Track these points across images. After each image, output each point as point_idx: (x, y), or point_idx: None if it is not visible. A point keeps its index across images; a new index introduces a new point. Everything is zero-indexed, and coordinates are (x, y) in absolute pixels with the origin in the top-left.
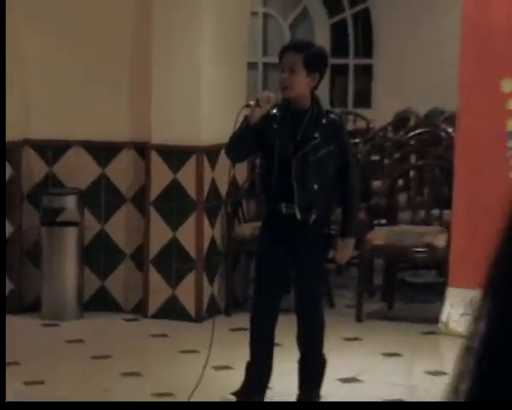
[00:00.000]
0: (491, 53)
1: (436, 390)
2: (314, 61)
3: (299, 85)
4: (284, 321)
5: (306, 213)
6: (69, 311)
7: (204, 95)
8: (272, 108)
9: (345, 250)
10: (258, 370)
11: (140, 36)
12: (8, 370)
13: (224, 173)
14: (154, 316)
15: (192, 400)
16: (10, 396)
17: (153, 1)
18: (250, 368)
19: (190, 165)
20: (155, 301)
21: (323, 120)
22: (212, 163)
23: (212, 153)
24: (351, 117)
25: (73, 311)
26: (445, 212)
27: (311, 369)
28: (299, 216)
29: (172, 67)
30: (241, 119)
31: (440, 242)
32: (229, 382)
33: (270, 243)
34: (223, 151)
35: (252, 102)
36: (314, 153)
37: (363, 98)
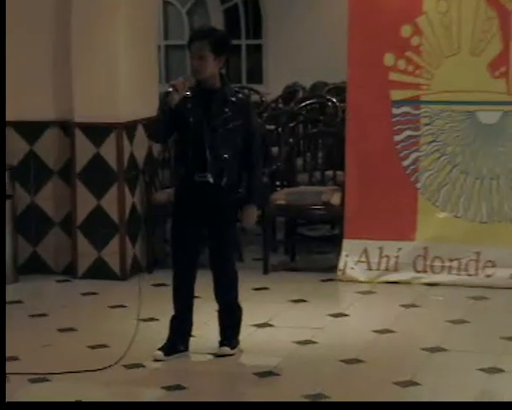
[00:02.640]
0: (376, 30)
1: (339, 331)
2: (219, 46)
3: (209, 69)
4: (202, 275)
5: (218, 178)
6: (7, 275)
7: (121, 76)
8: (186, 91)
9: (249, 216)
10: (181, 322)
11: (61, 24)
12: None
13: (140, 146)
14: (84, 276)
15: (129, 350)
16: None
17: None
18: (174, 321)
19: (111, 140)
20: (84, 264)
21: (233, 98)
22: (131, 138)
23: (130, 128)
24: (245, 91)
25: (10, 275)
26: (338, 173)
27: (229, 317)
28: (211, 180)
29: (91, 52)
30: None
31: (335, 200)
32: (156, 332)
33: (185, 207)
34: (140, 126)
35: (170, 89)
36: (224, 126)
37: (255, 75)
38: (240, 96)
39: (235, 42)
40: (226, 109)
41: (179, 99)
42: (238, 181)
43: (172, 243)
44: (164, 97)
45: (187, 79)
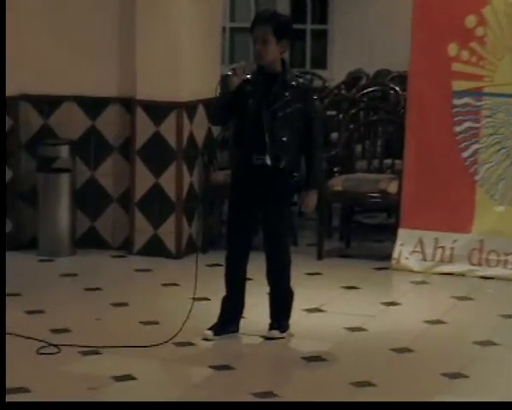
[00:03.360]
0: (440, 20)
1: (390, 319)
2: (282, 30)
3: (272, 53)
4: (254, 258)
5: (277, 161)
6: (63, 248)
7: (184, 55)
8: (246, 75)
9: (309, 201)
10: (233, 303)
11: (126, 2)
12: (10, 300)
13: (200, 127)
14: (139, 253)
15: (178, 328)
16: (12, 324)
17: None
18: (225, 302)
19: (171, 119)
20: (140, 240)
21: (293, 82)
22: (191, 117)
23: (190, 108)
24: (308, 77)
25: (67, 248)
26: (397, 162)
27: (280, 300)
28: (269, 163)
29: (155, 31)
30: (219, 89)
31: (392, 188)
32: (207, 312)
33: (242, 189)
34: (200, 106)
35: (229, 72)
36: (283, 109)
37: (320, 60)
38: (300, 80)
39: (300, 26)
40: (286, 93)
41: (238, 83)
42: (296, 165)
43: (228, 223)
44: (223, 80)
45: (248, 64)
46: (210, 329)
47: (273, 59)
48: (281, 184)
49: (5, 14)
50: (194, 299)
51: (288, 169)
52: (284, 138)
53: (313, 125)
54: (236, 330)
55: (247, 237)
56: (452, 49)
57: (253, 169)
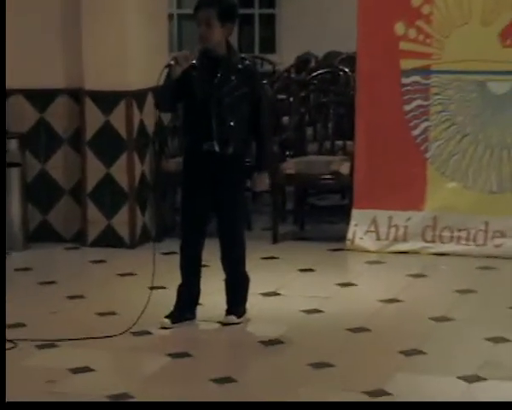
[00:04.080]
0: (386, 0)
1: (347, 300)
2: (226, 14)
3: (216, 36)
4: (209, 244)
5: (225, 146)
6: (16, 243)
7: (130, 44)
8: (190, 63)
9: (260, 182)
10: (189, 290)
11: None
12: None
13: (150, 115)
14: (93, 244)
15: (134, 318)
16: None
17: None
18: (181, 289)
19: (120, 108)
20: (93, 231)
21: (239, 65)
22: (140, 106)
23: (139, 96)
24: (258, 61)
25: (20, 242)
26: (348, 143)
27: (236, 286)
28: (217, 149)
29: (101, 20)
30: (163, 77)
31: (345, 169)
32: (164, 300)
33: (193, 176)
34: (149, 95)
35: (172, 62)
36: (230, 94)
37: (268, 44)
38: (246, 62)
39: (248, 11)
40: (232, 77)
41: (180, 71)
42: (246, 149)
43: (181, 211)
44: (165, 69)
45: (192, 52)
46: (167, 317)
47: (217, 42)
48: (232, 169)
49: (5, 15)
50: (152, 288)
51: (238, 154)
52: (232, 123)
53: (261, 107)
54: (193, 317)
55: (201, 223)
56: (399, 27)
57: (203, 155)
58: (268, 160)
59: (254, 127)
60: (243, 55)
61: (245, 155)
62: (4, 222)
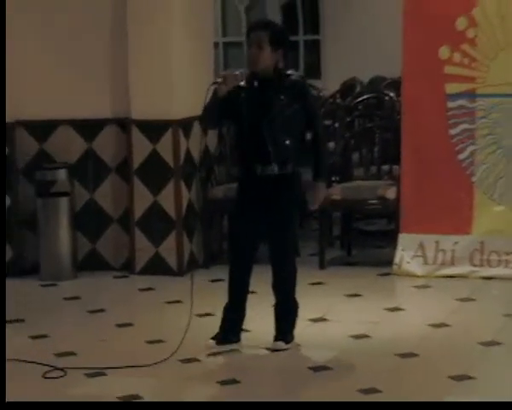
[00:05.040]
0: (431, 23)
1: (395, 325)
2: (278, 38)
3: (265, 59)
4: (257, 271)
5: (283, 167)
6: (65, 272)
7: (176, 73)
8: (237, 84)
9: (319, 192)
10: (234, 312)
11: (116, 23)
12: (14, 326)
13: (197, 143)
14: (141, 272)
15: (185, 345)
16: (16, 350)
17: None
18: (227, 311)
19: (167, 136)
20: (141, 259)
21: (286, 83)
22: (187, 134)
23: (186, 125)
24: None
25: (69, 272)
26: (394, 167)
27: (285, 312)
28: (276, 171)
29: (147, 50)
30: (210, 94)
31: (391, 194)
32: (211, 327)
33: (247, 201)
34: (195, 123)
35: (219, 80)
36: (281, 113)
37: (313, 70)
38: (293, 78)
39: (292, 38)
40: (282, 96)
41: (227, 91)
42: (299, 170)
43: (232, 235)
44: (211, 86)
45: (240, 73)
46: (212, 338)
47: (266, 67)
48: (289, 191)
49: (5, 15)
50: (191, 314)
51: (295, 172)
52: (287, 142)
53: (315, 119)
54: (237, 340)
55: (251, 248)
56: (444, 52)
57: (258, 180)
58: (326, 170)
59: (312, 139)
60: (289, 72)
61: (298, 176)
62: (4, 222)
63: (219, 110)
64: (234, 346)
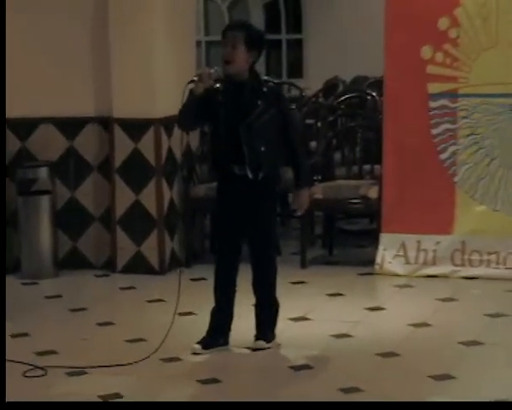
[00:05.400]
0: (413, 23)
1: (376, 324)
2: (253, 40)
3: (240, 59)
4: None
5: (257, 172)
6: (46, 270)
7: (158, 72)
8: (216, 83)
9: (302, 200)
10: (221, 314)
11: (98, 23)
12: None
13: (178, 141)
14: (122, 271)
15: (167, 344)
16: None
17: None
18: (214, 314)
19: (149, 135)
20: (123, 258)
21: (264, 89)
22: (169, 133)
23: (167, 124)
24: (285, 86)
25: (50, 270)
26: (376, 166)
27: (266, 311)
28: (250, 175)
29: (128, 49)
30: (186, 93)
31: (373, 193)
32: (194, 326)
33: (227, 200)
34: None
35: (195, 78)
36: (258, 119)
37: (296, 69)
38: (270, 84)
39: (275, 37)
40: (259, 102)
41: (204, 88)
42: (276, 174)
43: (215, 234)
44: (187, 85)
45: (214, 70)
46: (198, 343)
47: (240, 67)
48: (265, 194)
49: (5, 15)
50: (175, 313)
51: (270, 178)
52: (263, 148)
53: (290, 125)
54: (225, 343)
55: (236, 248)
56: (426, 51)
57: (236, 179)
58: (307, 176)
59: (286, 147)
60: (266, 78)
61: (276, 178)
62: (4, 225)
63: (196, 112)
64: (221, 349)
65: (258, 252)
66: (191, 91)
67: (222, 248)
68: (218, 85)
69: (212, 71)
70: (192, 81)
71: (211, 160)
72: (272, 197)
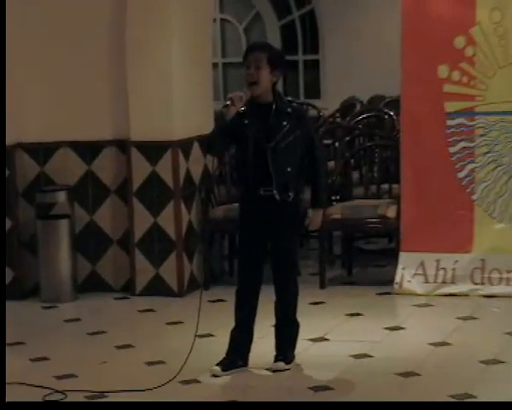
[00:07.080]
0: (429, 42)
1: (396, 344)
2: (275, 60)
3: (264, 80)
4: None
5: (284, 193)
6: (65, 294)
7: (175, 94)
8: (243, 105)
9: (316, 220)
10: (242, 334)
11: (115, 46)
12: (14, 349)
13: (196, 163)
14: (141, 294)
15: (185, 366)
16: (17, 373)
17: (127, 4)
18: (234, 333)
19: (166, 157)
20: (141, 280)
21: (288, 109)
22: (186, 155)
23: (185, 146)
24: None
25: (69, 293)
26: (394, 186)
27: (286, 332)
28: (277, 197)
29: (145, 72)
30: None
31: (391, 213)
32: (212, 348)
33: (251, 222)
34: (195, 143)
35: (228, 102)
36: (284, 139)
37: (313, 90)
38: (294, 105)
39: (292, 58)
40: (284, 122)
41: (235, 112)
42: (299, 194)
43: (239, 256)
44: (222, 109)
45: (244, 92)
46: (218, 365)
47: (265, 88)
48: (290, 215)
49: (5, 16)
50: (196, 336)
51: (296, 199)
52: (289, 169)
53: (314, 145)
54: (245, 364)
55: (258, 269)
56: (443, 70)
57: (260, 201)
58: (325, 197)
59: (309, 166)
60: (290, 99)
61: (299, 199)
62: (4, 233)
63: (224, 138)
64: (240, 370)
65: (280, 275)
66: (222, 116)
67: (244, 269)
68: (242, 109)
69: (242, 94)
70: (225, 106)
71: (237, 181)
72: (295, 218)
